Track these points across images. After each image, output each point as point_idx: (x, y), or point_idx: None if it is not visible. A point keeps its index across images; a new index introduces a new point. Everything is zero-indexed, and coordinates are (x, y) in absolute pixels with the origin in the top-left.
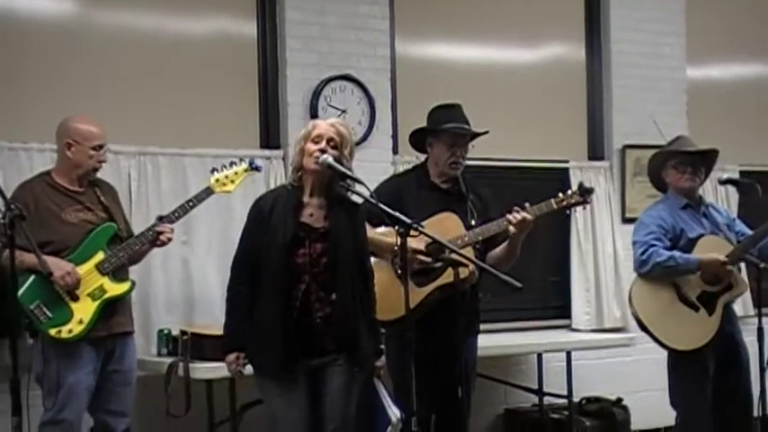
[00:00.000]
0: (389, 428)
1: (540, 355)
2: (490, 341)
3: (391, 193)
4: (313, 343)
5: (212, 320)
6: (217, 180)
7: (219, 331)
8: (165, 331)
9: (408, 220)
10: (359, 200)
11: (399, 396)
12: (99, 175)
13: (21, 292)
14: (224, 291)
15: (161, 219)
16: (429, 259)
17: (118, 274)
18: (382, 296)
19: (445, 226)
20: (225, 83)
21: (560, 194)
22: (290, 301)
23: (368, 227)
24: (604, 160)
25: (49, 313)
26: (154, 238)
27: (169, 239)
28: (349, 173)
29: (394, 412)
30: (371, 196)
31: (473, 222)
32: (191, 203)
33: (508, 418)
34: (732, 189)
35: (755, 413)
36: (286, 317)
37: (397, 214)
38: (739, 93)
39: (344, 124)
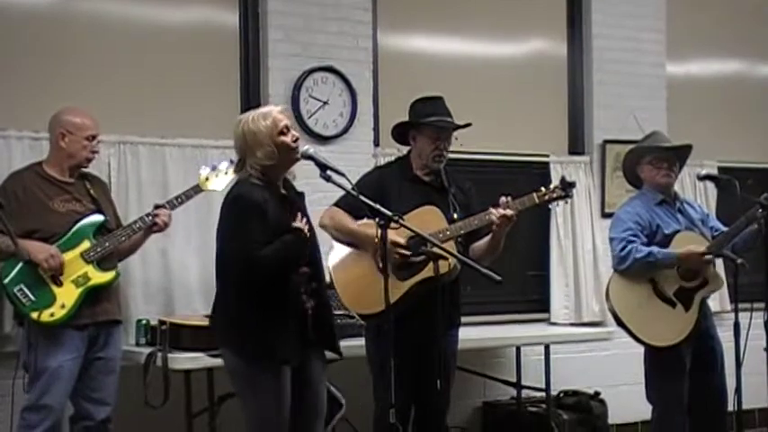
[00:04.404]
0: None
1: (518, 349)
2: (469, 334)
3: (373, 185)
4: (304, 335)
5: (191, 311)
6: (206, 178)
7: (198, 322)
8: (144, 321)
9: (389, 213)
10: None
11: (379, 388)
12: None
13: (10, 277)
14: (202, 281)
15: (158, 207)
16: (409, 252)
17: (104, 263)
18: (363, 289)
19: (427, 219)
20: (206, 73)
21: (542, 189)
22: (289, 295)
23: (349, 219)
24: (584, 155)
25: (32, 296)
26: (152, 223)
27: (165, 224)
28: (330, 164)
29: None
30: (353, 188)
31: (455, 216)
32: (179, 200)
33: (486, 410)
34: (711, 185)
35: (731, 408)
36: (290, 310)
37: (378, 207)
38: (719, 89)
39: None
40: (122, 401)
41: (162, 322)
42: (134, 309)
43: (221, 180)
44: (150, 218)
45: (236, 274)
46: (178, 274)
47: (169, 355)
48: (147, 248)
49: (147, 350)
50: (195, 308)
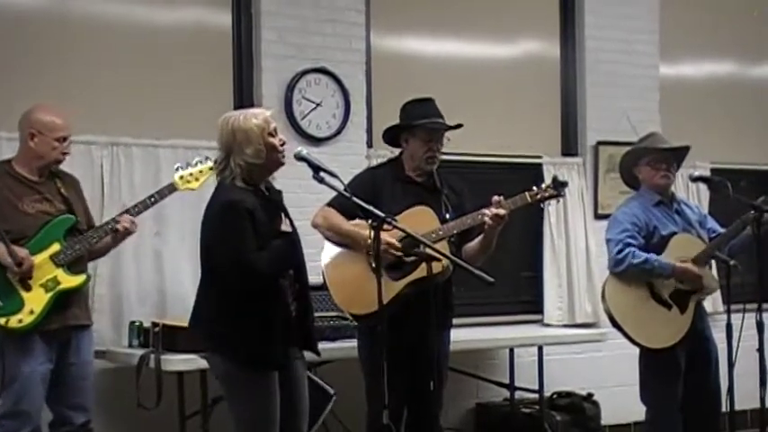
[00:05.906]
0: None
1: (511, 350)
2: (462, 335)
3: (366, 185)
4: (290, 336)
5: (184, 312)
6: (181, 177)
7: None
8: (137, 323)
9: (382, 214)
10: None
11: (372, 389)
12: (70, 164)
13: None
14: (196, 282)
15: (123, 213)
16: (402, 253)
17: (74, 266)
18: (356, 290)
19: (419, 220)
20: (199, 74)
21: (534, 188)
22: (278, 299)
23: (342, 219)
24: (577, 156)
25: None
26: (113, 229)
27: (126, 230)
28: (323, 165)
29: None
30: (345, 189)
31: (447, 216)
32: (152, 199)
33: (479, 412)
34: (703, 186)
35: (724, 409)
36: (278, 314)
37: (371, 208)
38: (712, 90)
39: None
40: (115, 403)
41: (155, 324)
42: (127, 310)
43: (196, 178)
44: (110, 225)
45: (230, 282)
46: (171, 275)
47: (162, 357)
48: (140, 250)
49: (140, 352)
50: (188, 309)
